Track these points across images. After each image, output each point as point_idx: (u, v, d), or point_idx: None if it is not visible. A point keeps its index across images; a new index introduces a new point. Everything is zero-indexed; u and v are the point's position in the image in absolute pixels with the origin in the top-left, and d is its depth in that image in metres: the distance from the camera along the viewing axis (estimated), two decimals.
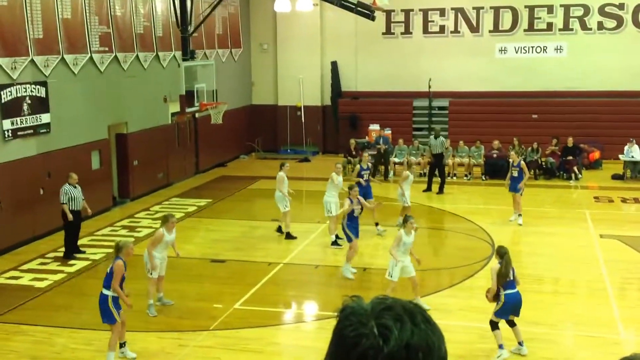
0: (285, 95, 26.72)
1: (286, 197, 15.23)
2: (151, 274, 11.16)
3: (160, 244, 11.20)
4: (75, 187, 14.01)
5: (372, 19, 19.60)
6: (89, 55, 16.87)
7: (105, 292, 9.20)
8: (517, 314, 9.49)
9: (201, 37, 22.13)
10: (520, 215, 16.12)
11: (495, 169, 21.30)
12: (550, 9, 24.21)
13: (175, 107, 18.99)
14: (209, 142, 23.00)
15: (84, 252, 14.36)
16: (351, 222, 13.01)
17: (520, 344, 9.53)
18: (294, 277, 13.22)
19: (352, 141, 22.82)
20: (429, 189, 19.79)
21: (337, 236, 14.57)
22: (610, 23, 23.87)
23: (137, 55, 18.88)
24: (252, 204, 19.68)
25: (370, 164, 17.40)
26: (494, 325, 9.48)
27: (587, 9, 23.96)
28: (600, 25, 23.93)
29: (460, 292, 12.04)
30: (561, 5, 24.11)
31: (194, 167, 22.72)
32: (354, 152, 22.53)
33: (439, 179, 19.76)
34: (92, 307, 11.66)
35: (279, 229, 15.45)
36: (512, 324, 9.52)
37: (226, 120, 19.97)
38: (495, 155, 21.60)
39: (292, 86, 26.37)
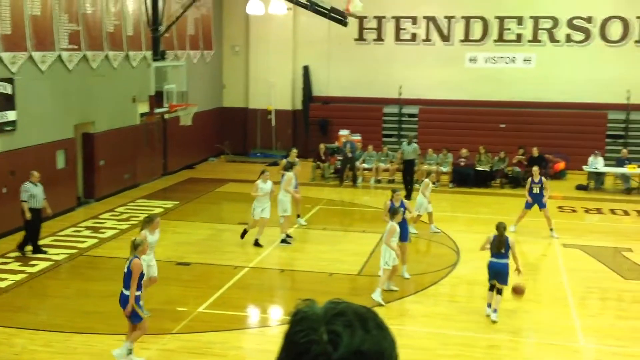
0: (256, 99, 26.67)
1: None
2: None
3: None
4: (36, 185, 13.81)
5: (345, 24, 19.69)
6: (58, 53, 16.66)
7: (127, 292, 9.14)
8: (501, 282, 10.82)
9: (172, 38, 22.00)
10: (552, 229, 15.80)
11: (462, 177, 21.51)
12: (519, 20, 24.55)
13: (144, 108, 18.85)
14: (177, 144, 22.85)
15: (45, 252, 14.15)
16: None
17: (494, 310, 10.87)
18: (259, 281, 13.17)
19: (322, 146, 22.86)
20: (408, 197, 19.92)
21: (287, 235, 15.04)
22: (578, 36, 24.27)
23: (106, 54, 18.69)
24: (220, 206, 19.60)
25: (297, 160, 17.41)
26: (489, 287, 11.06)
27: (555, 22, 24.34)
28: (569, 38, 24.33)
29: (424, 299, 12.12)
30: (531, 17, 24.46)
31: (162, 168, 22.54)
32: (323, 157, 22.59)
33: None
34: (52, 308, 11.54)
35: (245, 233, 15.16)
36: (499, 291, 10.85)
37: (196, 122, 19.85)
38: (462, 164, 21.80)
39: (263, 89, 26.32)
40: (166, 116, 19.03)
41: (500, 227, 11.13)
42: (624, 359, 9.80)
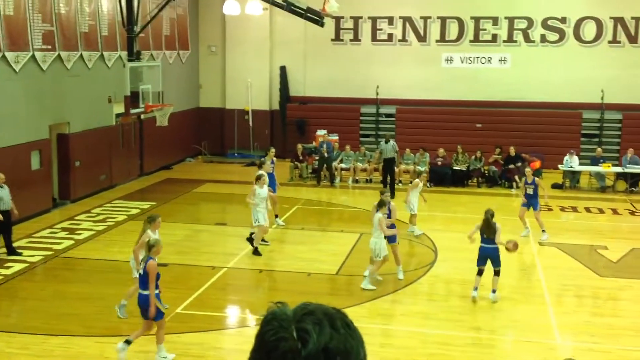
0: (233, 99, 26.59)
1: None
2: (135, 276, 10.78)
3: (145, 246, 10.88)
4: (2, 187, 13.62)
5: (322, 25, 19.68)
6: (31, 53, 16.46)
7: (145, 292, 9.20)
8: (495, 265, 11.63)
9: (148, 38, 21.86)
10: (544, 231, 15.79)
11: (439, 177, 21.62)
12: (495, 20, 24.73)
13: (119, 108, 18.69)
14: (154, 144, 22.69)
15: (20, 254, 13.97)
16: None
17: (493, 291, 11.61)
18: (237, 282, 13.13)
19: (299, 146, 22.85)
20: (392, 195, 20.04)
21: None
22: (552, 36, 24.51)
23: (81, 55, 18.51)
24: (198, 207, 19.51)
25: (275, 159, 17.45)
26: (477, 271, 11.73)
27: (530, 22, 24.56)
28: (543, 38, 24.56)
29: (403, 298, 12.16)
30: (506, 18, 24.66)
31: (138, 169, 22.37)
32: (301, 157, 22.57)
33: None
34: (28, 310, 11.40)
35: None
36: (496, 273, 11.64)
37: (172, 122, 19.74)
38: (439, 163, 21.92)
39: (240, 90, 26.25)
40: (142, 116, 18.90)
41: (488, 213, 11.77)
42: (599, 355, 9.91)
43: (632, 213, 18.57)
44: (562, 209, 19.00)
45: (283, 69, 26.07)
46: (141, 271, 9.31)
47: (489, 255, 11.70)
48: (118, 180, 20.86)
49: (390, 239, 12.59)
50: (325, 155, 21.57)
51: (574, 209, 18.91)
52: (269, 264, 14.23)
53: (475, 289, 11.68)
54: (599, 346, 10.11)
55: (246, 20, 25.03)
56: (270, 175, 15.93)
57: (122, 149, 21.06)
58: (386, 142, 20.36)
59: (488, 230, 11.66)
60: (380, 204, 12.35)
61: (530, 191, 15.97)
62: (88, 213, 17.59)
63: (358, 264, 13.58)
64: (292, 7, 18.71)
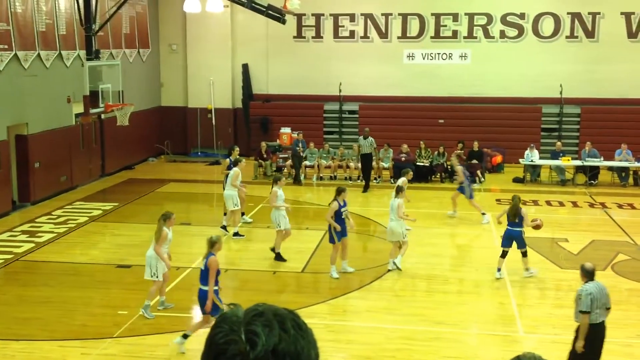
0: (196, 97, 26.40)
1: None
2: (157, 276, 10.82)
3: (164, 243, 10.88)
4: None
5: (283, 22, 19.65)
6: None
7: (205, 288, 9.46)
8: (520, 246, 12.62)
9: (107, 37, 21.57)
10: (484, 214, 16.78)
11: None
12: (455, 17, 24.96)
13: (79, 108, 18.42)
14: (115, 144, 22.41)
15: None
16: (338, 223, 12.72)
17: (526, 269, 12.65)
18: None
19: (263, 144, 22.78)
20: (366, 189, 20.42)
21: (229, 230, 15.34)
22: (511, 32, 24.83)
23: (38, 54, 18.18)
24: (161, 207, 19.20)
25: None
26: (501, 252, 12.72)
27: (490, 18, 24.84)
28: (503, 34, 24.86)
29: (368, 294, 12.21)
30: (466, 14, 24.90)
31: (100, 169, 22.08)
32: (265, 155, 22.51)
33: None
34: None
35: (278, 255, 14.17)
36: (524, 254, 12.70)
37: (134, 121, 19.53)
38: (403, 159, 22.03)
39: (202, 88, 26.08)
40: (103, 116, 18.67)
41: (515, 199, 12.86)
42: (562, 346, 10.05)
43: (591, 205, 18.92)
44: (524, 203, 19.12)
45: (245, 67, 25.96)
46: (202, 267, 9.56)
47: (514, 237, 12.62)
48: (79, 181, 20.56)
49: (342, 233, 12.70)
50: (302, 154, 21.61)
51: (535, 203, 19.20)
52: (234, 262, 14.17)
53: (499, 270, 12.61)
54: (561, 337, 10.26)
55: (207, 18, 24.86)
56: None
57: (83, 150, 20.76)
58: (365, 138, 20.62)
59: (514, 214, 12.62)
60: (398, 190, 13.37)
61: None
62: (49, 215, 17.31)
63: (323, 261, 13.59)
64: (253, 5, 18.64)
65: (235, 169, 15.67)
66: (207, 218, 17.14)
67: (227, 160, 16.68)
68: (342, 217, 12.85)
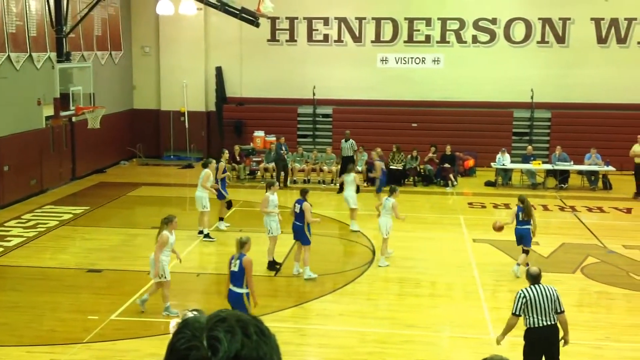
0: (169, 100, 26.22)
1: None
2: (166, 277, 10.87)
3: (166, 247, 10.87)
4: None
5: (257, 25, 19.60)
6: None
7: (238, 290, 9.38)
8: (526, 244, 13.19)
9: (78, 38, 21.33)
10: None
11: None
12: (428, 21, 25.12)
13: (49, 111, 18.18)
14: (86, 147, 22.16)
15: None
16: (309, 225, 13.05)
17: (525, 264, 12.64)
18: (174, 286, 12.85)
19: (237, 147, 22.70)
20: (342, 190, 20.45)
21: (202, 231, 15.35)
22: (483, 37, 25.06)
23: (8, 56, 17.92)
24: (133, 211, 19.15)
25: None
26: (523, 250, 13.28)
27: (462, 23, 25.05)
28: (475, 39, 25.08)
29: (341, 298, 12.21)
30: (439, 19, 25.07)
31: (70, 173, 21.81)
32: (238, 159, 22.43)
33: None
34: None
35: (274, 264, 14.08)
36: (525, 252, 13.23)
37: (106, 124, 19.34)
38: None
39: (175, 91, 25.92)
40: (74, 119, 18.46)
41: (526, 200, 13.40)
42: (496, 343, 10.15)
43: (561, 209, 19.14)
44: (495, 206, 19.43)
45: (219, 70, 25.87)
46: (235, 268, 9.45)
47: (523, 235, 13.16)
48: (49, 184, 20.30)
49: (304, 240, 13.00)
50: (284, 157, 21.58)
51: (507, 206, 19.34)
52: (206, 267, 14.10)
53: (518, 264, 13.13)
54: None
55: (180, 21, 24.73)
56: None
57: (53, 153, 20.50)
58: (346, 141, 20.82)
59: (527, 213, 13.15)
60: (392, 191, 14.30)
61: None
62: (18, 219, 17.06)
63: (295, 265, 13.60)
64: (227, 7, 18.58)
65: (206, 170, 15.65)
66: (180, 222, 16.93)
67: (222, 163, 16.70)
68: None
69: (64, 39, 17.36)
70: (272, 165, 22.14)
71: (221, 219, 16.57)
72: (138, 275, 13.01)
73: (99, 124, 18.41)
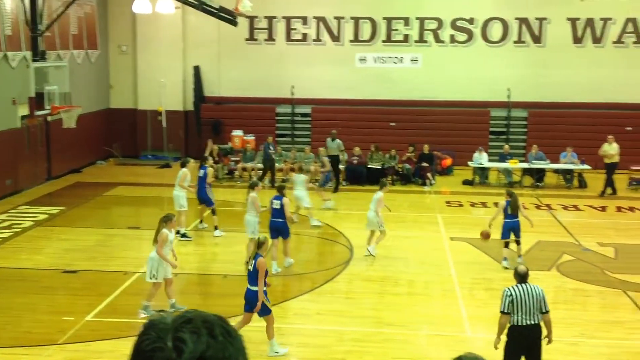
0: (146, 99, 26.04)
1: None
2: (157, 278, 10.92)
3: (165, 244, 10.93)
4: None
5: (235, 24, 19.58)
6: None
7: (253, 288, 9.57)
8: (517, 235, 13.62)
9: (54, 37, 21.10)
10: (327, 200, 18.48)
11: (355, 175, 21.86)
12: (406, 21, 25.20)
13: (24, 110, 17.98)
14: (62, 147, 21.94)
15: None
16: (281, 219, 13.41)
17: (519, 256, 13.51)
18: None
19: (215, 147, 22.60)
20: (335, 190, 20.79)
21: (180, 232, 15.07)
22: (461, 36, 25.19)
23: None
24: (109, 211, 19.01)
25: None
26: (504, 244, 13.64)
27: (440, 23, 25.16)
28: (452, 39, 25.20)
29: (319, 297, 12.22)
30: (417, 18, 25.16)
31: (46, 173, 21.58)
32: (216, 158, 22.33)
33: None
34: None
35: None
36: (517, 242, 13.68)
37: (82, 124, 19.17)
38: (355, 162, 22.17)
39: (152, 90, 25.73)
40: (49, 118, 18.29)
41: (514, 194, 13.92)
42: (494, 347, 10.23)
43: (538, 207, 19.30)
44: (472, 205, 19.55)
45: (197, 69, 25.74)
46: (251, 268, 9.68)
47: (515, 228, 13.59)
48: (24, 185, 20.07)
49: (286, 234, 13.30)
50: (272, 157, 21.48)
51: (484, 204, 19.48)
52: (183, 266, 13.97)
53: (505, 259, 13.50)
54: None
55: (158, 19, 24.57)
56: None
57: (29, 152, 20.27)
58: (332, 140, 20.86)
59: (515, 207, 13.60)
60: (382, 185, 14.98)
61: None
62: None
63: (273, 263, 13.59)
64: (205, 6, 18.52)
65: (183, 169, 15.55)
66: (157, 222, 16.84)
67: (210, 169, 16.59)
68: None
69: (39, 38, 17.18)
70: (251, 165, 22.08)
71: (200, 221, 16.43)
72: (114, 276, 12.92)
73: (75, 124, 18.25)
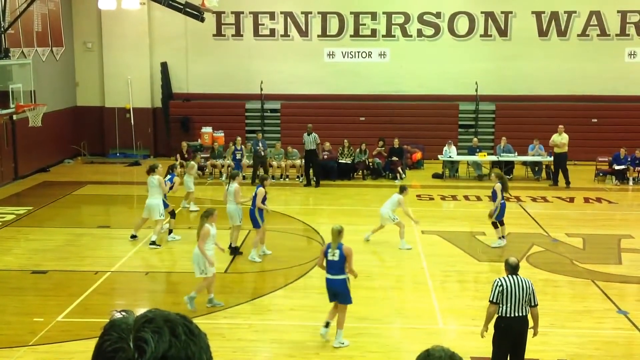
0: (113, 97, 25.75)
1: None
2: (206, 273, 10.90)
3: (208, 239, 10.88)
4: None
5: (202, 20, 19.45)
6: None
7: (341, 277, 9.78)
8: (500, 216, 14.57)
9: (18, 35, 20.75)
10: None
11: (326, 170, 21.86)
12: (374, 15, 25.27)
13: None
14: (29, 146, 21.60)
15: None
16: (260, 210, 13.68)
17: (503, 237, 14.71)
18: (122, 285, 12.75)
19: (184, 144, 22.46)
20: (308, 183, 20.83)
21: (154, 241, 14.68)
22: (428, 30, 25.33)
23: None
24: (78, 210, 18.77)
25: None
26: (498, 224, 14.65)
27: (407, 17, 25.27)
28: (420, 33, 25.34)
29: (293, 293, 12.20)
30: (384, 13, 25.24)
31: (13, 172, 21.24)
32: (186, 155, 22.18)
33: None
34: None
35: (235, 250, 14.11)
36: (502, 223, 14.67)
37: (48, 122, 18.90)
38: (325, 157, 22.18)
39: (120, 87, 25.47)
40: (14, 117, 17.98)
41: (503, 175, 15.34)
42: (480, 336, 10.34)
43: (507, 199, 19.46)
44: (443, 198, 19.70)
45: (164, 65, 25.52)
46: (336, 258, 9.75)
47: (503, 209, 14.69)
48: None
49: (256, 224, 13.64)
50: (262, 154, 21.30)
51: (454, 198, 19.65)
52: (155, 265, 13.92)
53: (504, 237, 14.65)
54: (479, 329, 10.54)
55: (123, 16, 24.30)
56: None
57: None
58: (308, 134, 20.78)
59: (507, 188, 14.83)
60: (402, 189, 15.10)
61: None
62: None
63: (247, 261, 13.56)
64: (170, 2, 18.36)
65: (157, 177, 14.87)
66: (126, 221, 16.71)
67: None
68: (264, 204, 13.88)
69: (2, 35, 16.88)
70: (226, 163, 21.95)
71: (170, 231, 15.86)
72: (84, 276, 12.77)
73: (41, 122, 17.98)
